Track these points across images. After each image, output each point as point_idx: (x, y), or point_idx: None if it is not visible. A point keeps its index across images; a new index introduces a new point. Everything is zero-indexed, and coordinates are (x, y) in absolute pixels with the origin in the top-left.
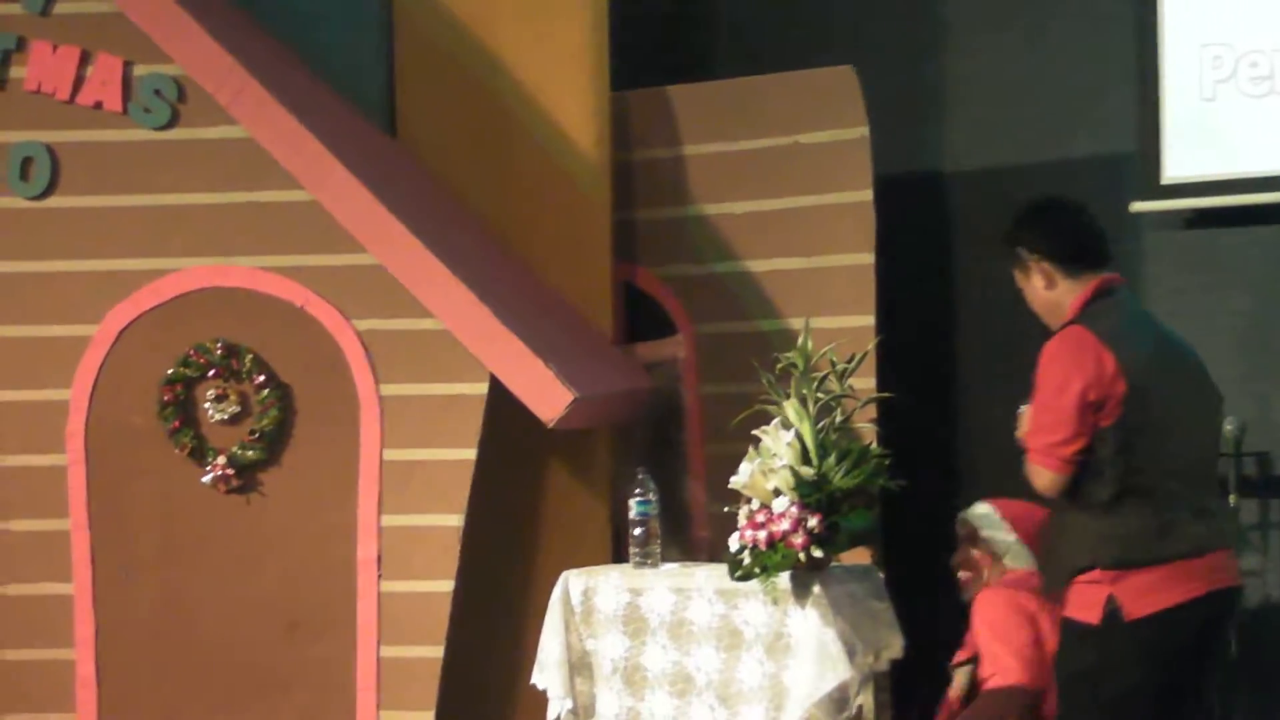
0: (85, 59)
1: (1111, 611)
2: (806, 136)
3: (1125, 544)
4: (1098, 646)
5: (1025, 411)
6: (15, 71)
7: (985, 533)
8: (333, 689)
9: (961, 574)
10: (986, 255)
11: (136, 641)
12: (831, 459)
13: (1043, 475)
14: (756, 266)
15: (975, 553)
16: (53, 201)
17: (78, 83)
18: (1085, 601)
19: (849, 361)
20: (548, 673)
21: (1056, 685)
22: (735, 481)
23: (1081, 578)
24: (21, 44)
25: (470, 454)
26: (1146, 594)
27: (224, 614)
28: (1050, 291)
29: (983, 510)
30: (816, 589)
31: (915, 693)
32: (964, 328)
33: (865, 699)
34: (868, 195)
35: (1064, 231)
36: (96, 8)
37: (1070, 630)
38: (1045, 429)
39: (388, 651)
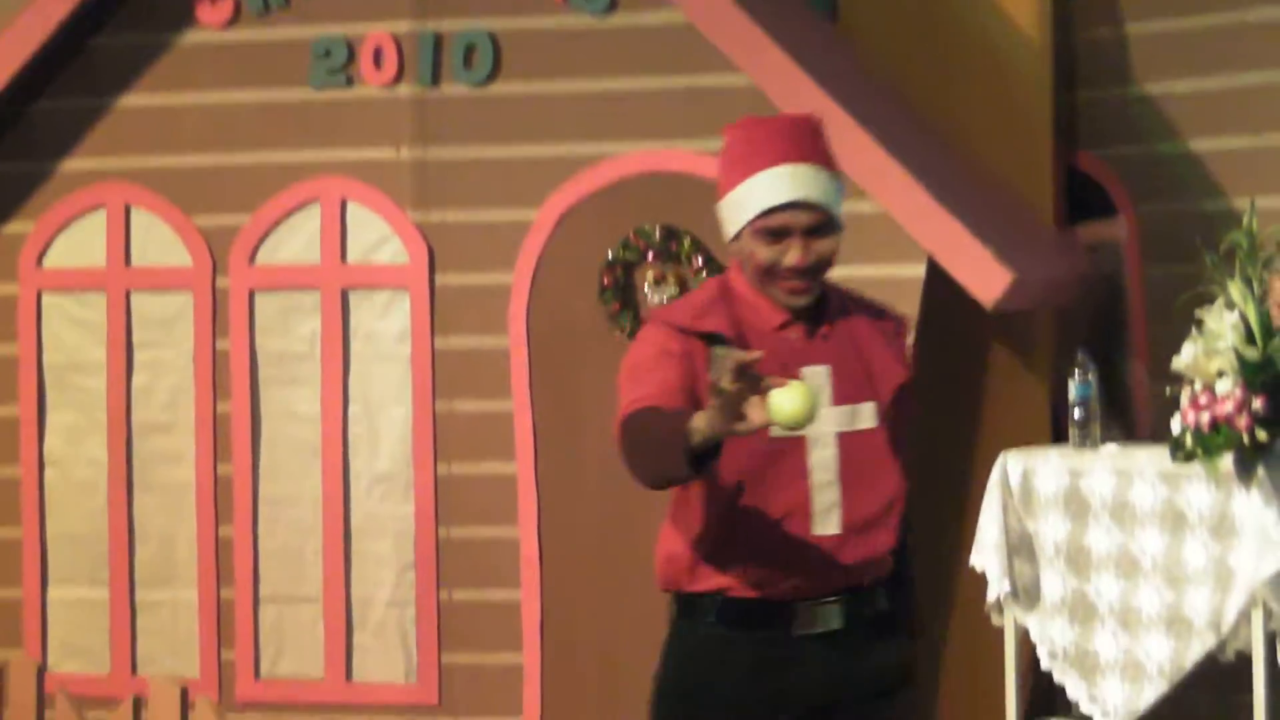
0: None
1: None
2: (1253, 13)
3: None
4: None
5: None
6: None
7: None
8: None
9: None
10: None
11: (579, 521)
12: (1277, 340)
13: None
14: (1200, 146)
15: None
16: (495, 89)
17: None
18: None
19: None
20: (985, 554)
21: None
22: (1178, 363)
23: None
24: None
25: (909, 337)
26: None
27: (663, 495)
28: None
29: None
30: (1260, 471)
31: None
32: None
33: None
34: None
35: None
36: None
37: None
38: None
39: None
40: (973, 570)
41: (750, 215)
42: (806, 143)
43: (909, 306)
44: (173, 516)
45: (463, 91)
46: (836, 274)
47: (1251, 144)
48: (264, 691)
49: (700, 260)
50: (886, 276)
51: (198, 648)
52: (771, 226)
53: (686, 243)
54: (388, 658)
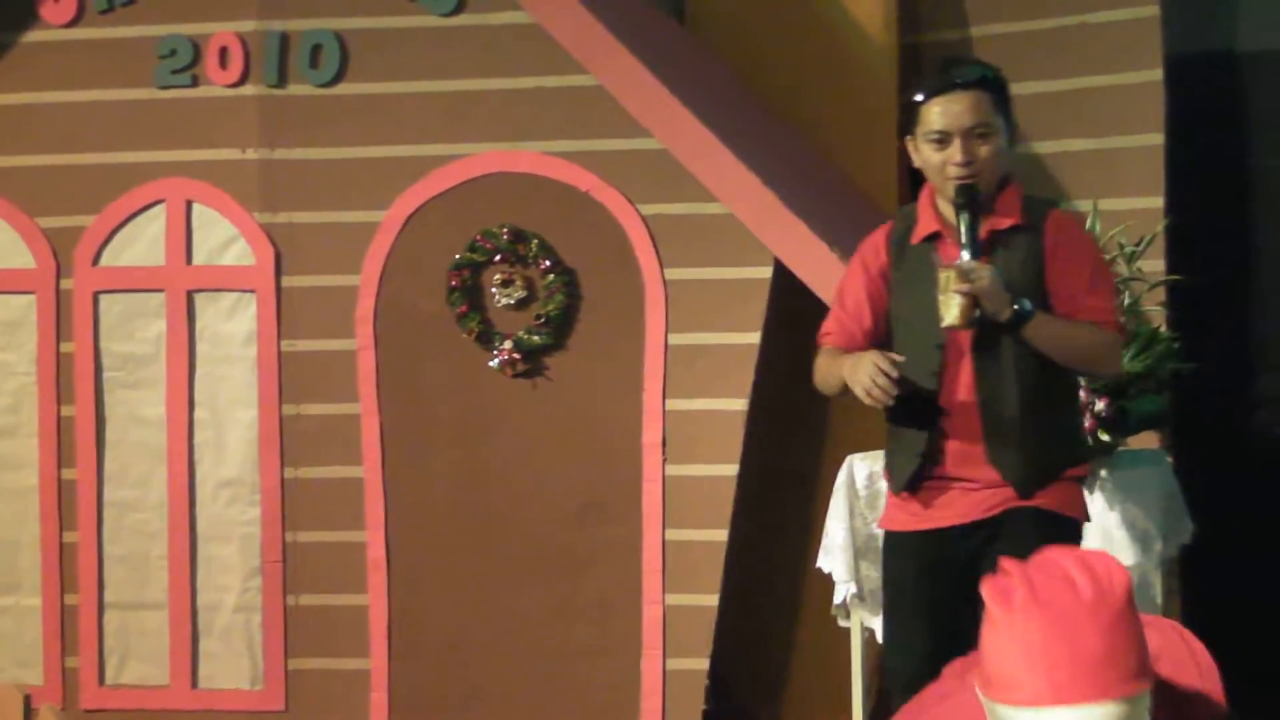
0: None
1: (1085, 505)
2: (1095, 16)
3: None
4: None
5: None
6: None
7: None
8: (619, 572)
9: None
10: None
11: (426, 524)
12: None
13: (1119, 347)
14: (1044, 148)
15: None
16: (341, 88)
17: None
18: (1074, 499)
19: (1137, 244)
20: (832, 557)
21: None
22: None
23: (1072, 472)
24: None
25: (754, 338)
26: None
27: (512, 497)
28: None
29: None
30: (1103, 473)
31: (1204, 580)
32: (1258, 211)
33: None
34: (1158, 75)
35: None
36: None
37: (1060, 525)
38: (1116, 307)
39: (673, 535)
40: (819, 572)
41: None
42: (1108, 661)
43: (755, 308)
44: (16, 522)
45: (309, 91)
46: (687, 275)
47: (1094, 146)
48: (109, 699)
49: (548, 262)
50: (733, 278)
51: (41, 655)
52: None
53: (534, 245)
54: (234, 664)
